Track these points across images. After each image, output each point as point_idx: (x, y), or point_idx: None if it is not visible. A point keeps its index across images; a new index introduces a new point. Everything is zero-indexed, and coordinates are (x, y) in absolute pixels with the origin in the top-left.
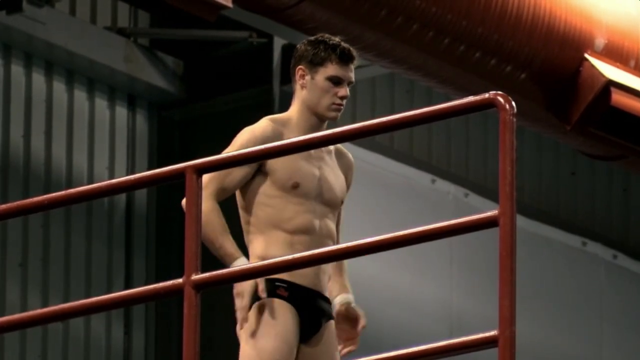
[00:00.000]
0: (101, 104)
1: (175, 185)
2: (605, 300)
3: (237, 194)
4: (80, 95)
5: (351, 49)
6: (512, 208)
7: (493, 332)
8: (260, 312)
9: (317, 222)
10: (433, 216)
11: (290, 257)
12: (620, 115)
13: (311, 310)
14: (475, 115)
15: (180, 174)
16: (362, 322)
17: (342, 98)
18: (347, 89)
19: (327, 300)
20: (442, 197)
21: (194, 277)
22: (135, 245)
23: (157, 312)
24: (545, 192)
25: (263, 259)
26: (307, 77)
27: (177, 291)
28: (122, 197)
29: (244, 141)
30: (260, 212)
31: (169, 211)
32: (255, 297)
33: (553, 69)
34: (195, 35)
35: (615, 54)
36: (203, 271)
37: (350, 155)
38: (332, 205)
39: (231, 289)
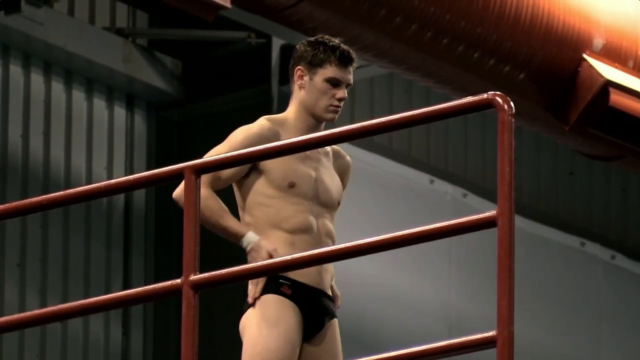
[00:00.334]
0: (100, 104)
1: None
2: (604, 301)
3: (236, 195)
4: (78, 95)
5: (351, 51)
6: (511, 208)
7: (492, 332)
8: (264, 310)
9: (315, 222)
10: (431, 216)
11: (290, 256)
12: (618, 116)
13: (314, 308)
14: (474, 115)
15: (179, 174)
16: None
17: (340, 100)
18: (345, 91)
19: (330, 299)
20: (440, 197)
21: (193, 277)
22: (133, 246)
23: (156, 313)
24: (544, 192)
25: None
26: (306, 78)
27: (176, 291)
28: (120, 198)
29: (237, 140)
30: (259, 213)
31: (167, 211)
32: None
33: (551, 69)
34: (193, 35)
35: (614, 54)
36: (201, 271)
37: (348, 158)
38: (329, 206)
39: (231, 289)
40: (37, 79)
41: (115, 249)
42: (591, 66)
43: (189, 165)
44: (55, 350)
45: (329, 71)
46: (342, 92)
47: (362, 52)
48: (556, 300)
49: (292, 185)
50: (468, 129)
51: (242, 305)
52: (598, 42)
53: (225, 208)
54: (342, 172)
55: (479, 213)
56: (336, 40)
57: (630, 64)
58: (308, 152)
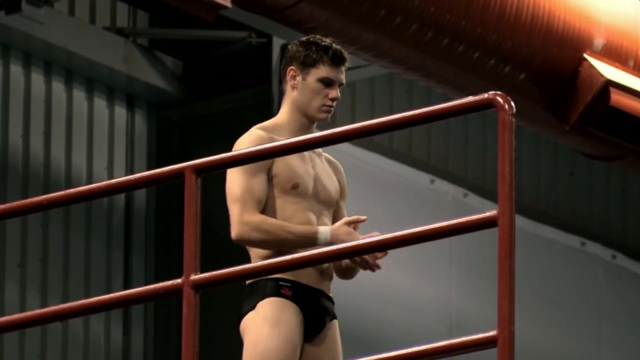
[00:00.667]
0: (100, 104)
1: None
2: (604, 300)
3: None
4: (79, 95)
5: (343, 50)
6: (511, 208)
7: (492, 332)
8: (264, 311)
9: (315, 220)
10: (432, 216)
11: (290, 256)
12: (619, 116)
13: (315, 309)
14: (474, 115)
15: (180, 174)
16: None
17: (332, 100)
18: (338, 91)
19: (331, 300)
20: (441, 197)
21: (193, 277)
22: (134, 246)
23: (156, 313)
24: (544, 192)
25: (266, 258)
26: (299, 78)
27: (176, 291)
28: (121, 197)
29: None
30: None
31: (168, 211)
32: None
33: (552, 69)
34: (194, 35)
35: (614, 54)
36: (202, 271)
37: (339, 164)
38: (327, 203)
39: (230, 290)
40: (37, 79)
41: (115, 248)
42: (592, 66)
43: (189, 165)
44: (56, 350)
45: (322, 71)
46: (335, 92)
47: (363, 52)
48: (556, 300)
49: (295, 187)
50: (469, 129)
51: (241, 307)
52: (598, 41)
53: (283, 222)
54: (338, 176)
55: (479, 213)
56: (328, 40)
57: (631, 63)
58: (304, 152)
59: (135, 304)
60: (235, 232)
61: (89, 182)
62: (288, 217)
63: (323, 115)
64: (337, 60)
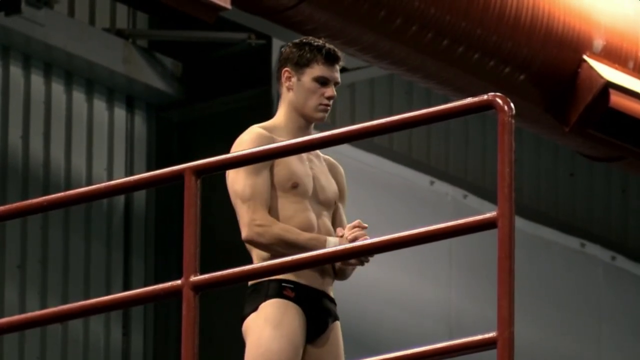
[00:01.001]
0: (100, 105)
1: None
2: (604, 302)
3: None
4: (78, 96)
5: (336, 49)
6: (511, 209)
7: (492, 334)
8: (267, 313)
9: (315, 220)
10: (432, 218)
11: (292, 257)
12: (618, 117)
13: (317, 310)
14: (474, 116)
15: (179, 175)
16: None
17: (329, 98)
18: (334, 89)
19: (333, 301)
20: (440, 198)
21: (193, 278)
22: (134, 247)
23: (156, 314)
24: (544, 193)
25: (268, 260)
26: (294, 79)
27: (176, 293)
28: (120, 199)
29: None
30: None
31: (167, 213)
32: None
33: (552, 71)
34: (193, 36)
35: (614, 56)
36: (202, 273)
37: (339, 166)
38: (326, 204)
39: (230, 291)
40: (37, 80)
41: (115, 250)
42: (591, 67)
43: (189, 166)
44: (56, 352)
45: (317, 70)
46: (331, 91)
47: (363, 54)
48: (556, 301)
49: (295, 186)
50: (468, 130)
51: (243, 308)
52: (598, 43)
53: (293, 228)
54: (337, 179)
55: (479, 214)
56: (320, 40)
57: (631, 65)
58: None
59: (135, 305)
60: (245, 233)
61: (89, 183)
62: (288, 217)
63: (320, 115)
64: (331, 59)
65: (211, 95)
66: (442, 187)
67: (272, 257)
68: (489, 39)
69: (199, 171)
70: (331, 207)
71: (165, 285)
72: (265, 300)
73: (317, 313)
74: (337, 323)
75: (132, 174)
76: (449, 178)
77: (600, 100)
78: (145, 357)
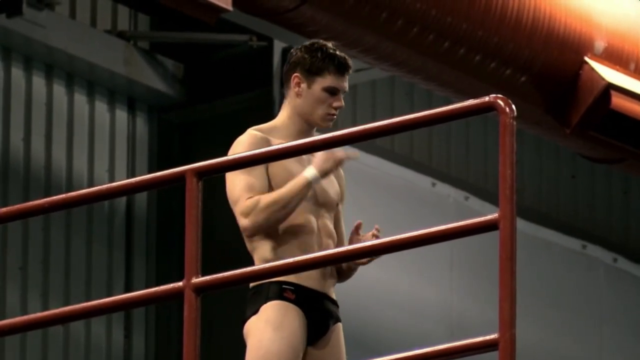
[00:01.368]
0: (101, 107)
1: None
2: (605, 303)
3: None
4: (80, 98)
5: (347, 58)
6: (512, 211)
7: (493, 335)
8: (267, 315)
9: (315, 222)
10: (433, 219)
11: (293, 259)
12: (620, 119)
13: (319, 312)
14: (476, 118)
15: (181, 177)
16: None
17: (336, 108)
18: (342, 99)
19: (335, 303)
20: (442, 200)
21: (194, 280)
22: (135, 249)
23: (158, 316)
24: (545, 195)
25: (270, 261)
26: (303, 86)
27: (178, 294)
28: (122, 200)
29: (245, 150)
30: None
31: (169, 214)
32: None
33: (553, 72)
34: (195, 38)
35: (615, 57)
36: (203, 274)
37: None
38: (327, 206)
39: (230, 292)
40: (38, 82)
41: (117, 251)
42: (592, 69)
43: (190, 168)
44: (57, 353)
45: (328, 80)
46: (340, 101)
47: (364, 55)
48: (558, 302)
49: None
50: (470, 132)
51: (245, 311)
52: (599, 45)
53: (274, 191)
54: (339, 180)
55: (480, 216)
56: (331, 45)
57: (632, 66)
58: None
59: (136, 307)
60: (243, 226)
61: (90, 185)
62: (288, 220)
63: (327, 124)
64: (342, 70)
65: (212, 97)
66: (443, 188)
67: (274, 258)
68: (490, 41)
69: (200, 173)
70: (333, 209)
71: (167, 286)
72: (265, 302)
73: (318, 315)
74: (339, 325)
75: (133, 175)
76: (450, 180)
77: (601, 102)
78: (146, 358)
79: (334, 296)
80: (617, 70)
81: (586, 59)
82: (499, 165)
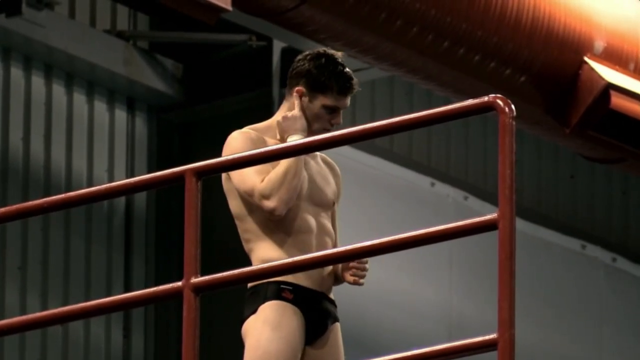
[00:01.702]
0: (100, 106)
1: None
2: (605, 304)
3: (233, 204)
4: (79, 98)
5: (353, 79)
6: (512, 211)
7: (492, 335)
8: (265, 315)
9: (312, 221)
10: (432, 219)
11: (291, 259)
12: (619, 118)
13: (317, 312)
14: (475, 118)
15: (180, 177)
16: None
17: (333, 125)
18: (341, 116)
19: (333, 302)
20: (441, 200)
21: (194, 280)
22: (134, 249)
23: (157, 315)
24: (545, 195)
25: (267, 261)
26: (305, 99)
27: (177, 294)
28: (121, 200)
29: (238, 147)
30: (256, 218)
31: (168, 214)
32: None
33: (552, 72)
34: (194, 38)
35: (615, 57)
36: (202, 274)
37: (336, 165)
38: (324, 205)
39: (230, 291)
40: (38, 82)
41: (116, 251)
42: (592, 69)
43: (189, 168)
44: (56, 353)
45: (329, 99)
46: (338, 119)
47: (363, 55)
48: (557, 303)
49: None
50: (469, 132)
51: (243, 311)
52: (599, 44)
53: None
54: (335, 179)
55: (480, 216)
56: (340, 57)
57: (631, 66)
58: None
59: (135, 306)
60: (270, 208)
61: (90, 185)
62: (285, 220)
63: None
64: (346, 92)
65: (212, 97)
66: (442, 188)
67: (272, 258)
68: (490, 41)
69: (199, 173)
70: (329, 208)
71: (166, 286)
72: (264, 302)
73: (316, 315)
74: (337, 325)
75: (132, 175)
76: (449, 179)
77: (601, 102)
78: (146, 358)
79: (332, 296)
80: (617, 70)
81: (586, 59)
82: (498, 165)
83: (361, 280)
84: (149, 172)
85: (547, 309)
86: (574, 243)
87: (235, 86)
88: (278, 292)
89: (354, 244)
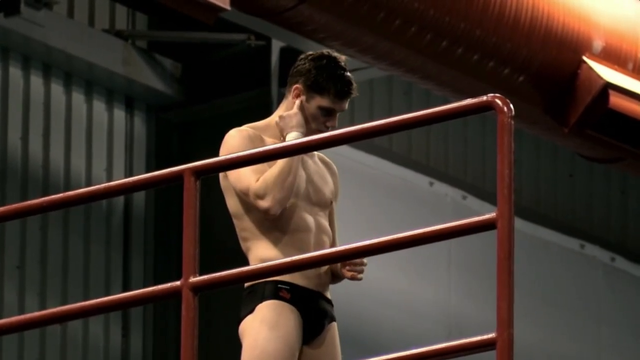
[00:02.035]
0: (99, 106)
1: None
2: (604, 303)
3: (230, 202)
4: (78, 97)
5: (353, 84)
6: (510, 210)
7: (491, 335)
8: (263, 314)
9: (310, 220)
10: (431, 219)
11: (289, 259)
12: (618, 118)
13: (314, 311)
14: (474, 117)
15: (179, 176)
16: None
17: (328, 127)
18: (337, 119)
19: (330, 302)
20: (440, 199)
21: (192, 279)
22: (133, 248)
23: (155, 315)
24: (543, 194)
25: (265, 261)
26: (302, 98)
27: (175, 294)
28: (120, 200)
29: (235, 144)
30: (254, 217)
31: (167, 214)
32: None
33: (551, 72)
34: (193, 37)
35: (613, 57)
36: (201, 274)
37: (333, 165)
38: (321, 205)
39: (229, 291)
40: (36, 81)
41: (114, 251)
42: (591, 68)
43: (188, 168)
44: (55, 352)
45: (325, 101)
46: (334, 122)
47: (362, 55)
48: (555, 302)
49: None
50: (468, 131)
51: (240, 310)
52: (598, 44)
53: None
54: (333, 178)
55: (478, 215)
56: (343, 61)
57: (630, 66)
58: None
59: (134, 306)
60: (264, 207)
61: (88, 184)
62: (282, 219)
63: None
64: (343, 96)
65: (211, 97)
66: (441, 188)
67: (270, 258)
68: (489, 40)
69: (198, 172)
70: (327, 208)
71: (165, 286)
72: (261, 301)
73: (313, 314)
74: (334, 324)
75: (131, 175)
76: (448, 179)
77: (599, 101)
78: (144, 357)
79: (329, 295)
80: (616, 69)
81: (584, 58)
82: (497, 165)
83: (359, 276)
84: (148, 171)
85: (546, 308)
86: (572, 242)
87: (234, 86)
88: (275, 292)
89: (353, 243)
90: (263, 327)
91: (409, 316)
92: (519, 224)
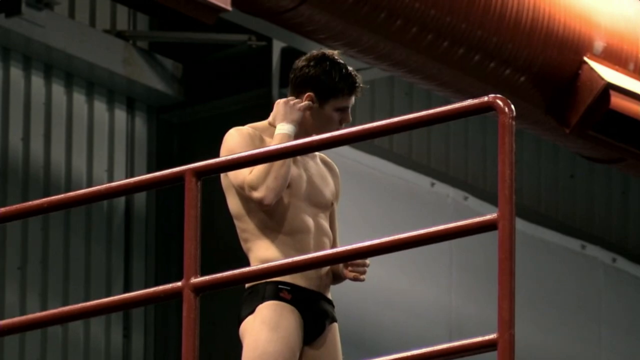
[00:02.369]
0: (100, 106)
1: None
2: (604, 304)
3: (231, 203)
4: (79, 98)
5: (358, 76)
6: (511, 211)
7: (492, 335)
8: (263, 315)
9: (310, 221)
10: (432, 219)
11: (290, 260)
12: (619, 118)
13: (315, 312)
14: (475, 118)
15: (180, 177)
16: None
17: (343, 123)
18: (350, 114)
19: (331, 303)
20: (441, 200)
21: (193, 280)
22: (134, 249)
23: (157, 316)
24: (544, 195)
25: (265, 262)
26: (315, 105)
27: (177, 294)
28: (121, 200)
29: (235, 142)
30: (254, 218)
31: (168, 214)
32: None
33: (552, 72)
34: (194, 38)
35: (614, 57)
36: (202, 274)
37: (335, 166)
38: (322, 206)
39: (232, 291)
40: (37, 82)
41: (116, 251)
42: (592, 69)
43: (189, 168)
44: (56, 353)
45: (341, 101)
46: (349, 117)
47: (363, 55)
48: (556, 302)
49: (287, 187)
50: (469, 132)
51: (240, 310)
52: (599, 44)
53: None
54: (334, 178)
55: (479, 216)
56: (339, 58)
57: (631, 66)
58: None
59: (135, 307)
60: (258, 198)
61: (89, 185)
62: (283, 220)
63: None
64: (355, 91)
65: (211, 97)
66: (442, 188)
67: (270, 259)
68: (490, 41)
69: (199, 173)
70: (328, 209)
71: (166, 286)
72: (262, 302)
73: (314, 315)
74: (335, 325)
75: (132, 175)
76: (449, 180)
77: (600, 102)
78: (145, 358)
79: (329, 296)
80: (617, 70)
81: (585, 58)
82: (498, 165)
83: (362, 277)
84: (149, 172)
85: (547, 309)
86: (573, 243)
87: (234, 86)
88: (276, 292)
89: (354, 244)
90: (264, 328)
91: (410, 317)
92: (520, 224)
